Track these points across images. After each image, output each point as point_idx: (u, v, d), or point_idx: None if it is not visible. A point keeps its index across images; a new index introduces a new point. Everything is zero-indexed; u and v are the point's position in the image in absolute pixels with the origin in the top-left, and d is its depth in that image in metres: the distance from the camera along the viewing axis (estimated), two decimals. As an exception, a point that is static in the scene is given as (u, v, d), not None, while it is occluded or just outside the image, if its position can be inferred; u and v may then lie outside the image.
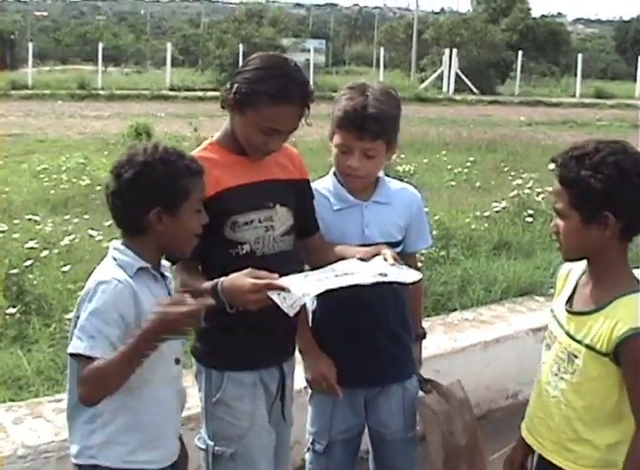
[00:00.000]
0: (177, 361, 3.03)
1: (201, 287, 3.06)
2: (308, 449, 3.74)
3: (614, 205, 2.69)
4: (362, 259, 3.17)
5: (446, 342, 5.40)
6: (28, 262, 6.46)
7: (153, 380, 2.91)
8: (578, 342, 2.82)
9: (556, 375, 2.92)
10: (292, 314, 2.84)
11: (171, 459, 3.04)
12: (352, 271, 3.07)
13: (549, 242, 8.36)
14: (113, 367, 2.69)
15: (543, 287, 6.90)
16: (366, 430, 3.74)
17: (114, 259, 2.90)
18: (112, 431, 2.87)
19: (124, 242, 2.94)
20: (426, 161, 14.18)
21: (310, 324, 3.62)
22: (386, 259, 3.14)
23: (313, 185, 3.54)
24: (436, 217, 8.15)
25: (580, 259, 2.91)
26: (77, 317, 2.82)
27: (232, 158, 3.25)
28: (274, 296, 2.84)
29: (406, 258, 3.43)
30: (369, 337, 3.52)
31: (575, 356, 2.83)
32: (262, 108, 3.09)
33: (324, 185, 3.57)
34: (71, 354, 2.77)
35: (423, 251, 6.10)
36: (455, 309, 6.31)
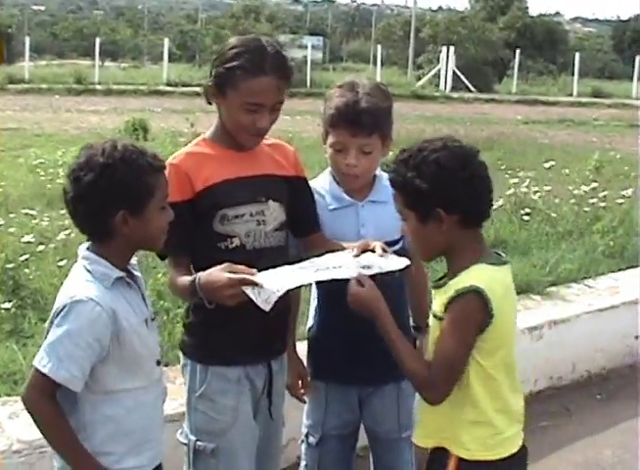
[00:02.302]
0: (158, 363, 3.01)
1: (182, 282, 3.06)
2: (302, 442, 3.76)
3: (442, 201, 2.77)
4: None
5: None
6: (24, 257, 6.46)
7: (135, 388, 2.88)
8: (433, 314, 2.89)
9: None
10: (267, 309, 2.81)
11: (159, 458, 3.02)
12: (334, 265, 3.04)
13: (545, 241, 8.38)
14: (55, 438, 2.79)
15: (539, 286, 6.90)
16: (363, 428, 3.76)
17: (89, 272, 2.81)
18: (96, 443, 2.81)
19: (93, 249, 2.86)
20: (422, 158, 14.16)
21: (310, 322, 3.67)
22: (374, 251, 3.12)
23: (312, 183, 3.54)
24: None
25: (436, 257, 2.98)
26: (48, 331, 2.78)
27: (224, 152, 3.24)
28: (248, 290, 2.82)
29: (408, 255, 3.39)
30: (366, 339, 3.44)
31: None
32: (240, 84, 3.08)
33: (320, 184, 3.57)
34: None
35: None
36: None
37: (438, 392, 2.79)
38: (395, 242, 3.48)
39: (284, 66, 3.16)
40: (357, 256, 3.10)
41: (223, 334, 3.18)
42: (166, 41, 42.49)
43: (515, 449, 2.92)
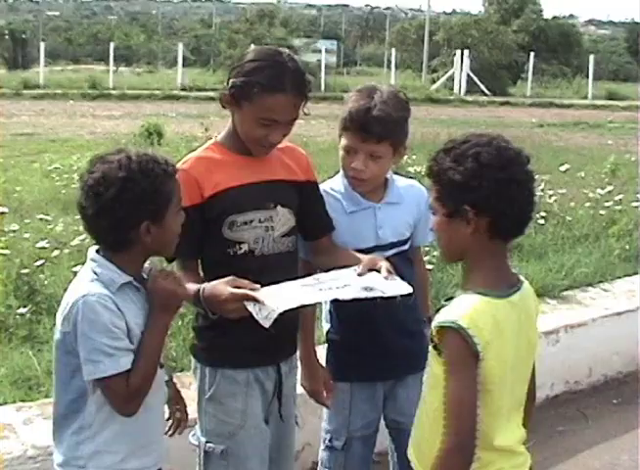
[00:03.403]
0: (161, 366, 3.01)
1: (188, 291, 3.06)
2: (326, 447, 3.75)
3: (472, 198, 2.63)
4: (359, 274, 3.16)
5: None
6: (39, 262, 6.46)
7: None
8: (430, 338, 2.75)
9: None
10: (267, 325, 2.82)
11: (161, 462, 3.04)
12: (338, 286, 3.05)
13: (561, 244, 8.35)
14: (149, 369, 2.81)
15: (555, 289, 6.87)
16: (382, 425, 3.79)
17: (95, 274, 2.81)
18: (101, 441, 2.83)
19: (104, 253, 2.86)
20: (437, 162, 14.15)
21: (328, 324, 3.68)
22: (379, 271, 3.14)
23: (323, 187, 3.57)
24: (448, 219, 8.11)
25: (458, 260, 2.83)
26: (64, 333, 2.78)
27: (234, 157, 3.24)
28: (250, 306, 2.85)
29: (412, 253, 3.62)
30: (384, 335, 3.56)
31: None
32: (257, 99, 3.08)
33: (335, 187, 3.59)
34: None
35: (435, 252, 6.07)
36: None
37: (461, 441, 2.61)
38: (406, 241, 3.61)
39: (302, 83, 3.16)
40: (362, 274, 3.11)
41: (231, 337, 3.19)
42: (181, 46, 42.63)
43: None
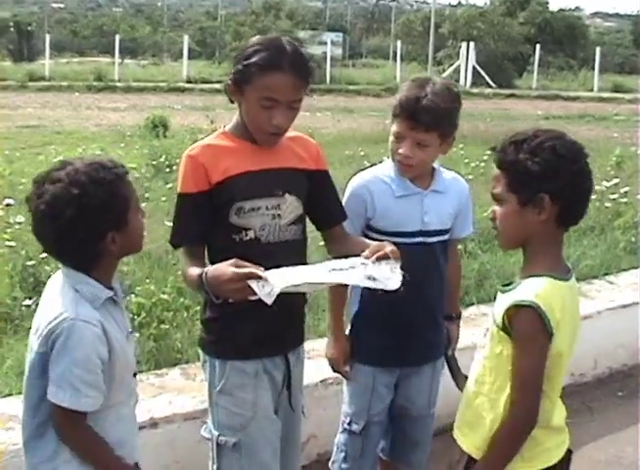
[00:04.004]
0: (134, 375, 3.00)
1: (191, 275, 3.08)
2: (344, 430, 3.81)
3: (549, 187, 2.78)
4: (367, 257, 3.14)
5: (464, 336, 5.37)
6: (45, 254, 6.45)
7: (116, 403, 2.86)
8: (494, 320, 2.88)
9: (479, 354, 3.00)
10: (269, 302, 2.80)
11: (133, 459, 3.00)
12: (343, 267, 3.04)
13: (566, 237, 8.27)
14: (95, 461, 2.79)
15: (560, 282, 6.85)
16: None
17: (77, 291, 2.73)
18: (78, 462, 2.78)
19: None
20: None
21: (356, 307, 3.73)
22: (381, 257, 3.12)
23: (373, 171, 3.69)
24: (453, 211, 8.10)
25: (517, 247, 2.96)
26: (40, 354, 2.72)
27: (243, 145, 3.25)
28: (253, 284, 2.83)
29: (450, 245, 3.73)
30: (413, 322, 3.65)
31: (489, 332, 2.92)
32: (256, 80, 3.09)
33: (384, 172, 3.69)
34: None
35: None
36: (472, 304, 6.29)
37: (528, 414, 2.79)
38: (447, 231, 3.71)
39: (301, 64, 3.16)
40: (367, 257, 3.09)
41: (239, 328, 3.21)
42: (186, 38, 42.59)
43: (553, 461, 2.92)
